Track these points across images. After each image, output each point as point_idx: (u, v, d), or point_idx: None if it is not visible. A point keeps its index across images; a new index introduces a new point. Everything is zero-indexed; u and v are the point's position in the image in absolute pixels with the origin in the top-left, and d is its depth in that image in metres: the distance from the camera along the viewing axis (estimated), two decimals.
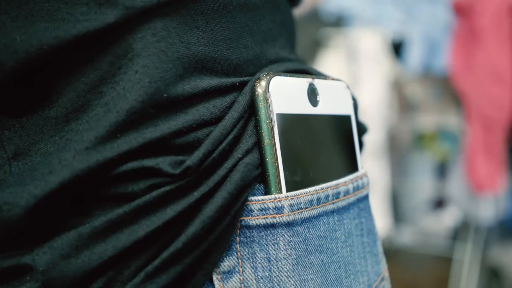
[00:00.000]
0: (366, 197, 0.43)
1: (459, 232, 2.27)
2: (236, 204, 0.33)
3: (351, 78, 1.97)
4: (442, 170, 2.40)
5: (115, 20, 0.30)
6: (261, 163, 0.35)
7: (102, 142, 0.30)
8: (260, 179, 0.35)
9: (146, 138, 0.31)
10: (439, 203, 2.42)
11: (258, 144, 0.35)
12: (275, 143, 0.35)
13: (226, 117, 0.34)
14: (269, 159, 0.35)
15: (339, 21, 2.10)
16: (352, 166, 0.43)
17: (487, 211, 2.12)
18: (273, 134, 0.35)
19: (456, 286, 2.11)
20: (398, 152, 2.37)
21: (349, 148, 0.43)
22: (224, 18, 0.36)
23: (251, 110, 0.36)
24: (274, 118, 0.35)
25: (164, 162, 0.31)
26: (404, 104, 2.30)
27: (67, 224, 0.30)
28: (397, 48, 2.06)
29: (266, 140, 0.35)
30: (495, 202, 2.13)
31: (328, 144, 0.40)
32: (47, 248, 0.29)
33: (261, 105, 0.35)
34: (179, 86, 0.32)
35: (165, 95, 0.31)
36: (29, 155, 0.32)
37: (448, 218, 2.34)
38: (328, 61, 2.03)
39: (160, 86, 0.31)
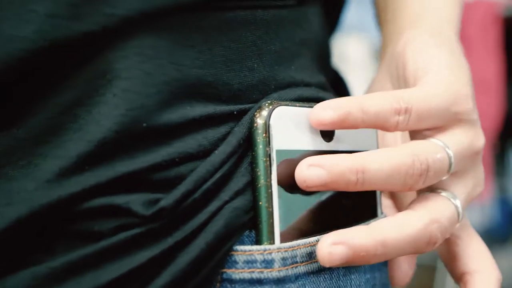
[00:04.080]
0: None
1: None
2: (217, 255, 0.29)
3: None
4: None
5: (92, 29, 0.27)
6: (254, 207, 0.30)
7: (67, 175, 0.26)
8: (250, 224, 0.31)
9: (118, 172, 0.27)
10: None
11: (252, 184, 0.31)
12: (271, 185, 0.30)
13: (216, 151, 0.30)
14: (262, 203, 0.30)
15: None
16: (369, 211, 0.38)
17: (474, 220, 2.12)
18: (270, 174, 0.30)
19: None
20: None
21: (368, 190, 0.38)
22: (225, 36, 0.31)
23: (248, 144, 0.31)
24: (274, 156, 0.30)
25: (135, 201, 0.27)
26: None
27: (24, 261, 0.27)
28: None
29: (261, 181, 0.30)
30: (481, 210, 2.13)
31: None
32: None
33: (259, 139, 0.30)
34: (164, 115, 0.28)
35: (144, 124, 0.28)
36: None
37: None
38: None
39: (140, 115, 0.28)
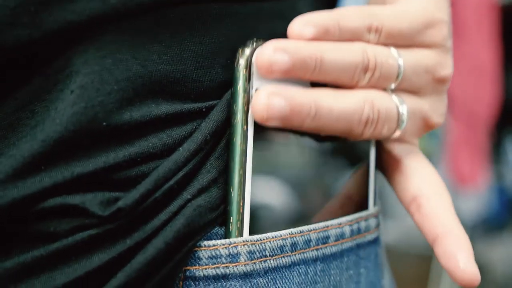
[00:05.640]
0: (371, 243, 0.36)
1: None
2: (177, 255, 0.27)
3: None
4: None
5: (52, 28, 0.25)
6: (226, 179, 0.29)
7: (21, 175, 0.25)
8: (220, 220, 0.29)
9: (75, 172, 0.26)
10: None
11: (228, 140, 0.29)
12: (247, 123, 0.29)
13: (180, 148, 0.28)
14: (235, 147, 0.28)
15: None
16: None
17: (471, 208, 2.11)
18: (247, 111, 0.29)
19: (437, 284, 2.10)
20: None
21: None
22: (196, 31, 0.29)
23: (216, 139, 0.29)
24: (253, 94, 0.29)
25: (92, 201, 0.26)
26: None
27: None
28: None
29: (238, 117, 0.29)
30: (479, 199, 2.13)
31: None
32: None
33: (240, 74, 0.29)
34: (126, 113, 0.27)
35: (104, 123, 0.26)
36: None
37: None
38: None
39: (98, 113, 0.26)
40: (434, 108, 0.36)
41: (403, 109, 0.33)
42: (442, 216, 0.34)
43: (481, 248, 2.21)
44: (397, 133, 0.34)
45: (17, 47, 0.25)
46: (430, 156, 2.34)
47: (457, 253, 0.32)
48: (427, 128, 0.37)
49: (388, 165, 0.37)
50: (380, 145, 0.37)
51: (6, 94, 0.26)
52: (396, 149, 0.37)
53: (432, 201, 0.35)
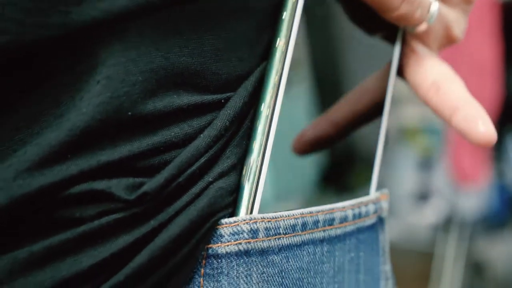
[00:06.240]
0: (369, 228, 0.38)
1: (444, 227, 2.26)
2: (199, 232, 0.28)
3: None
4: (426, 164, 2.39)
5: (78, 27, 0.26)
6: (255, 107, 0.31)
7: (48, 164, 0.25)
8: (233, 207, 0.30)
9: (101, 161, 0.26)
10: (423, 197, 2.41)
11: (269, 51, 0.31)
12: (295, 13, 0.31)
13: (201, 135, 0.29)
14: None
15: None
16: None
17: (472, 205, 2.12)
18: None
19: (438, 281, 2.10)
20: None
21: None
22: (215, 25, 0.30)
23: (235, 125, 0.31)
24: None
25: (117, 186, 0.26)
26: None
27: (4, 246, 0.26)
28: None
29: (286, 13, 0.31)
30: (479, 196, 2.13)
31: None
32: None
33: None
34: (150, 103, 0.27)
35: (129, 113, 0.27)
36: None
37: (433, 213, 2.33)
38: None
39: (124, 103, 0.26)
40: (457, 21, 0.39)
41: (435, 6, 0.36)
42: (461, 92, 0.37)
43: (482, 245, 2.21)
44: (424, 25, 0.37)
45: (46, 44, 0.25)
46: (432, 154, 2.34)
47: (478, 118, 0.36)
48: (448, 39, 0.40)
49: (408, 60, 0.41)
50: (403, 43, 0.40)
51: (30, 85, 0.26)
52: (419, 46, 0.40)
53: (450, 82, 0.38)
